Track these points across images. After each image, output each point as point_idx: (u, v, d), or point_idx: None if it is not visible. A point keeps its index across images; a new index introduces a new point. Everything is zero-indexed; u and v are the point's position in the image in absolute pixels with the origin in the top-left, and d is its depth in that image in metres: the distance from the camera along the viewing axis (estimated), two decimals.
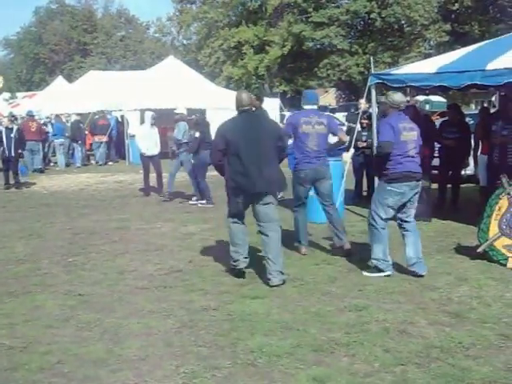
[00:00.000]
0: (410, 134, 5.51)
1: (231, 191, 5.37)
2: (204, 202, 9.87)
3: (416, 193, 5.56)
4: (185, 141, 10.05)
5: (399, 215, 5.60)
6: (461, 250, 6.41)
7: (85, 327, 4.34)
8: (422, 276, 5.44)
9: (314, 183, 6.31)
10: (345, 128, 10.96)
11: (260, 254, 6.22)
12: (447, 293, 4.99)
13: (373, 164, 6.03)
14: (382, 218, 5.51)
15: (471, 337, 4.03)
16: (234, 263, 5.50)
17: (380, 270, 5.50)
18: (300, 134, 6.17)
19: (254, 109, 5.63)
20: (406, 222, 5.60)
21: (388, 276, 5.46)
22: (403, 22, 33.23)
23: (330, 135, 6.46)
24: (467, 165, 9.31)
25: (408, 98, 9.26)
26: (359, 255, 6.12)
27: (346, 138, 6.56)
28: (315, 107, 6.40)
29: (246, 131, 5.22)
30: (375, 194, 5.68)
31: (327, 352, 3.83)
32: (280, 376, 3.52)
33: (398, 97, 5.60)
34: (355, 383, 3.43)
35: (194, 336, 4.12)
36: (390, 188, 5.45)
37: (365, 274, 5.57)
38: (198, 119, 10.11)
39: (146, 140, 10.82)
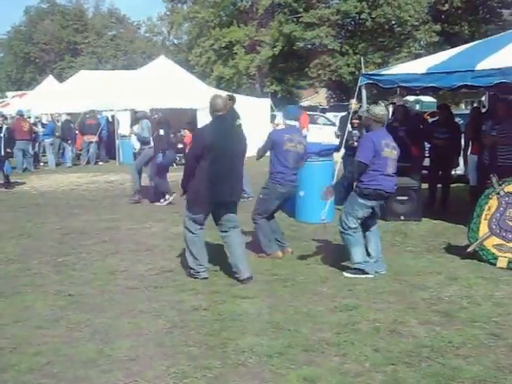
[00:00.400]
0: (392, 153, 5.52)
1: (202, 199, 5.19)
2: (168, 197, 9.87)
3: (381, 204, 5.74)
4: (146, 137, 10.13)
5: (368, 219, 5.69)
6: (451, 249, 6.45)
7: (75, 327, 4.31)
8: (384, 273, 5.54)
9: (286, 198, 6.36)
10: (336, 129, 10.99)
11: (248, 254, 6.24)
12: (437, 292, 5.02)
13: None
14: (350, 227, 5.54)
15: (461, 336, 4.05)
16: (196, 274, 5.43)
17: (363, 272, 5.52)
18: (283, 151, 6.12)
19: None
20: (371, 226, 5.73)
21: (371, 277, 5.48)
22: (393, 22, 33.32)
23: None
24: (457, 165, 9.36)
25: (396, 99, 9.32)
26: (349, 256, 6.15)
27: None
28: (296, 124, 6.51)
29: (220, 138, 5.11)
30: (347, 203, 5.66)
31: (318, 352, 3.84)
32: (271, 376, 3.52)
33: (379, 110, 5.61)
34: (346, 383, 3.43)
35: (185, 336, 4.11)
36: (361, 201, 5.51)
37: (346, 274, 5.56)
38: (160, 118, 10.30)
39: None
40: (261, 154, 6.29)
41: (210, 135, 5.14)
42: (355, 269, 5.54)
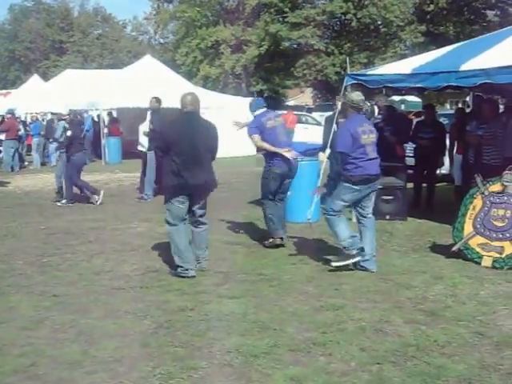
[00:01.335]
0: (370, 137, 5.60)
1: (172, 190, 5.41)
2: (65, 201, 9.95)
3: (373, 190, 5.71)
4: (61, 140, 10.17)
5: (358, 210, 5.76)
6: (436, 248, 6.48)
7: (60, 329, 4.27)
8: (372, 272, 5.58)
9: (284, 179, 6.55)
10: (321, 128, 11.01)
11: (234, 254, 6.24)
12: (423, 291, 5.04)
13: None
14: (334, 210, 5.64)
15: (446, 335, 4.07)
16: (184, 272, 5.46)
17: (348, 256, 5.55)
18: (268, 130, 6.40)
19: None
20: (364, 217, 5.74)
21: (355, 262, 5.55)
22: (379, 22, 33.50)
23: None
24: (442, 164, 9.43)
25: (381, 99, 9.37)
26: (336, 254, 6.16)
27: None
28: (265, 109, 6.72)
29: (187, 132, 5.32)
30: (334, 192, 5.80)
31: (304, 351, 3.84)
32: (257, 376, 3.51)
33: (355, 95, 5.69)
34: (332, 382, 3.43)
35: (171, 337, 4.09)
36: (347, 185, 5.59)
37: (333, 264, 5.61)
38: (71, 119, 10.35)
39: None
40: (259, 144, 6.53)
41: (175, 129, 5.42)
42: (340, 255, 5.59)
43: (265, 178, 6.58)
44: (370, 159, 5.58)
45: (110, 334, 4.17)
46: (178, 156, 5.29)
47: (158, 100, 10.46)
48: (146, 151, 10.48)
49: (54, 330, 4.26)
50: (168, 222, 5.53)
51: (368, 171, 5.56)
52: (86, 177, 14.40)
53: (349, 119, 5.69)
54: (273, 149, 6.43)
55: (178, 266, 5.48)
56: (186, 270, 5.45)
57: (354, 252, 5.56)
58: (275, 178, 6.49)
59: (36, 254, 6.50)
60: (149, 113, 10.75)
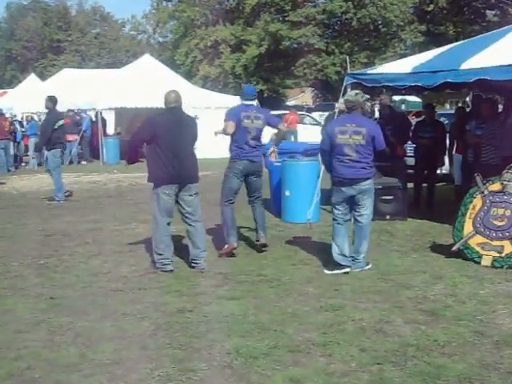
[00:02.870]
0: (352, 138, 5.47)
1: (158, 182, 5.61)
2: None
3: (361, 194, 5.57)
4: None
5: (354, 212, 5.74)
6: (436, 248, 6.46)
7: (56, 331, 4.23)
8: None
9: (247, 177, 6.30)
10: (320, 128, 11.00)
11: (232, 256, 6.21)
12: (423, 291, 5.02)
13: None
14: (336, 214, 5.67)
15: (446, 334, 4.06)
16: (162, 266, 5.64)
17: (339, 266, 5.55)
18: (241, 127, 6.16)
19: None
20: (357, 221, 5.73)
21: (347, 273, 5.53)
22: (379, 22, 33.49)
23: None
24: (443, 164, 9.40)
25: (383, 97, 9.34)
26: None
27: (285, 128, 6.59)
28: (254, 103, 6.45)
29: (172, 126, 5.61)
30: None
31: (304, 352, 3.81)
32: (257, 377, 3.49)
33: (346, 96, 5.79)
34: (332, 383, 3.41)
35: (170, 338, 4.06)
36: (333, 186, 5.68)
37: (325, 271, 5.62)
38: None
39: None
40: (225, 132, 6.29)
41: (160, 123, 5.67)
42: (332, 264, 5.60)
43: (225, 174, 6.34)
44: (345, 161, 5.48)
45: (107, 336, 4.14)
46: (163, 148, 5.53)
47: (51, 99, 10.33)
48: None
49: (51, 332, 4.22)
50: (154, 217, 5.71)
51: (341, 174, 5.51)
52: (84, 177, 14.48)
53: (335, 119, 5.74)
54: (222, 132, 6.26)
55: (157, 262, 5.67)
56: (164, 264, 5.63)
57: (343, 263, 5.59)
58: (237, 175, 6.21)
59: (32, 256, 6.44)
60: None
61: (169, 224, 5.78)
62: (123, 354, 3.82)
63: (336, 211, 5.66)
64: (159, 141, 5.55)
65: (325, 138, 5.70)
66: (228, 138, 6.32)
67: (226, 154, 6.48)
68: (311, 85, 39.95)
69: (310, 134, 19.33)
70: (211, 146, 10.77)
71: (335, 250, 5.62)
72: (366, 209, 5.65)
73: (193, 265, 5.78)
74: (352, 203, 5.65)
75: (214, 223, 7.18)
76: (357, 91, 5.89)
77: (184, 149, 5.68)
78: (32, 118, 18.54)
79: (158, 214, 5.69)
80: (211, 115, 14.59)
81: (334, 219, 5.72)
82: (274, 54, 33.96)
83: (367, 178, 5.56)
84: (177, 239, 7.04)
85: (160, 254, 5.68)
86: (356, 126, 5.51)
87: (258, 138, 6.27)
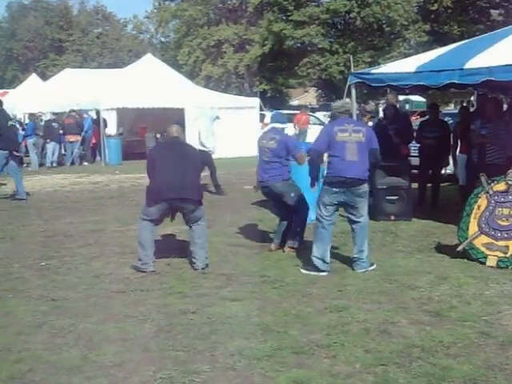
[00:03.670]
0: (352, 136, 5.50)
1: (151, 194, 5.80)
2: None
3: (358, 196, 5.54)
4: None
5: (348, 215, 5.69)
6: (441, 248, 6.42)
7: (58, 333, 4.20)
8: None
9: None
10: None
11: (237, 256, 6.18)
12: (428, 292, 4.99)
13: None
14: (323, 216, 5.59)
15: (452, 335, 4.03)
16: (142, 266, 5.70)
17: (317, 269, 5.53)
18: (259, 148, 6.52)
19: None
20: (353, 221, 5.67)
21: (324, 275, 5.49)
22: (383, 21, 33.42)
23: None
24: (447, 164, 9.36)
25: (390, 96, 9.32)
26: (340, 256, 6.09)
27: (304, 160, 6.52)
28: (284, 126, 6.67)
29: (172, 151, 5.96)
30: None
31: (308, 354, 3.78)
32: (260, 379, 3.46)
33: (336, 103, 5.96)
34: None
35: (172, 340, 4.03)
36: (325, 187, 5.58)
37: (302, 271, 5.61)
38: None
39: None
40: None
41: (163, 149, 6.24)
42: (311, 265, 5.57)
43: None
44: (348, 161, 5.46)
45: (109, 338, 4.11)
46: (162, 172, 5.73)
47: None
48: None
49: (53, 334, 4.19)
50: (141, 217, 5.88)
51: (342, 173, 5.45)
52: (86, 178, 14.45)
53: (333, 122, 5.78)
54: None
55: (139, 260, 5.71)
56: (146, 263, 5.68)
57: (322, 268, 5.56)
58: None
59: (34, 258, 6.40)
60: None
61: (152, 224, 5.85)
62: (125, 356, 3.79)
63: (324, 212, 5.57)
64: (158, 165, 5.81)
65: (321, 137, 5.65)
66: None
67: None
68: (315, 84, 39.89)
69: (314, 133, 19.27)
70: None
71: (315, 254, 5.57)
72: (364, 210, 5.65)
73: (195, 266, 5.75)
74: (346, 207, 5.63)
75: (214, 223, 7.15)
76: (346, 99, 6.12)
77: (182, 173, 5.75)
78: (37, 118, 18.36)
79: (142, 216, 5.84)
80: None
81: (318, 221, 5.63)
82: (277, 53, 33.95)
83: (365, 181, 5.57)
84: (178, 239, 7.06)
85: (145, 255, 5.73)
86: (355, 126, 5.65)
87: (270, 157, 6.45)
